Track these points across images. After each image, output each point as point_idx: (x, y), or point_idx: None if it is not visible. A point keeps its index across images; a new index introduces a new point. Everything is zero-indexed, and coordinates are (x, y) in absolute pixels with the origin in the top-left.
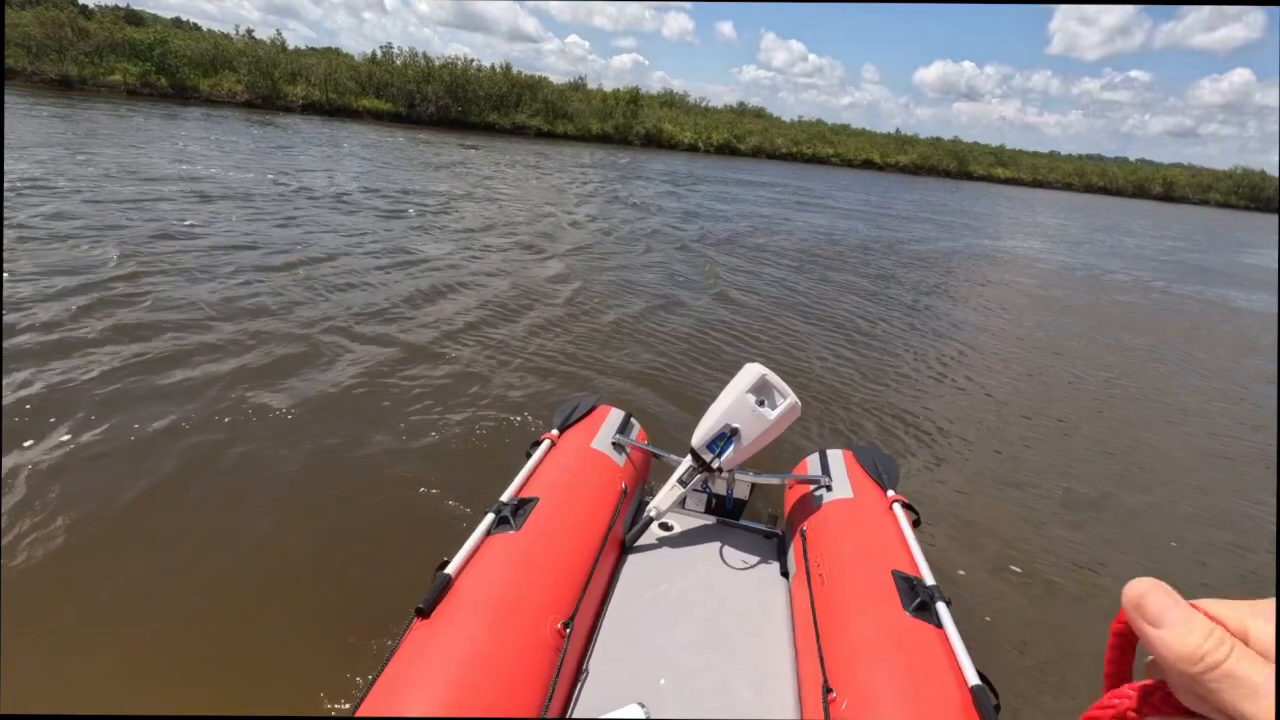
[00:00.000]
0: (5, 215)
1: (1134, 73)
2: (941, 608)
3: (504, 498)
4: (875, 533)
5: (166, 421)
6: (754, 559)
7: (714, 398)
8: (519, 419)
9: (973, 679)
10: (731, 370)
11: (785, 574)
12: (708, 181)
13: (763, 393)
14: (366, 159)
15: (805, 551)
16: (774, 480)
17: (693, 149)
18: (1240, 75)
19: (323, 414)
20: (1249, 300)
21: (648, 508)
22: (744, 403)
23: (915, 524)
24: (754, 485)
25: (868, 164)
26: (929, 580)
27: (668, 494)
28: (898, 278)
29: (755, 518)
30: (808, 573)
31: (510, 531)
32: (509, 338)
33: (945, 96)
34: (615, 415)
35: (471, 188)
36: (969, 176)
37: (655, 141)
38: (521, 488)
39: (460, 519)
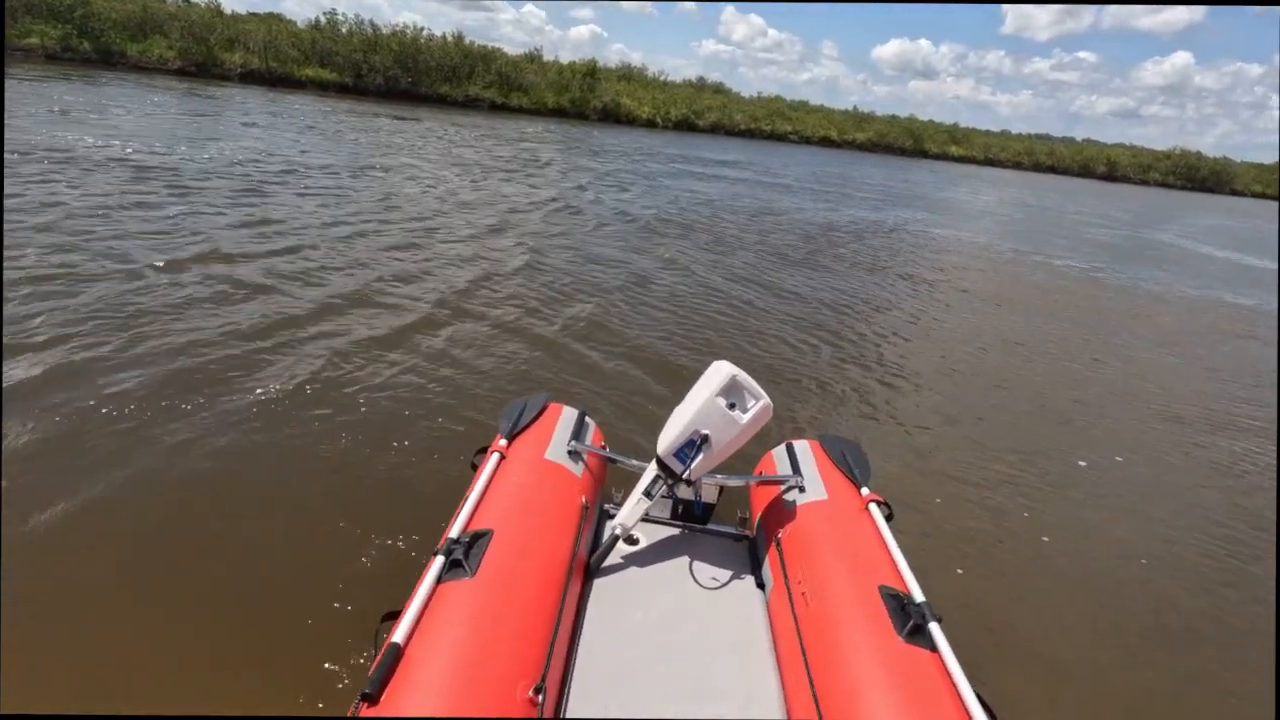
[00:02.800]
0: None
1: (1082, 53)
2: (935, 629)
3: (453, 533)
4: (856, 541)
5: None
6: (727, 572)
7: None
8: (444, 420)
9: (977, 714)
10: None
11: (761, 585)
12: (658, 159)
13: (732, 394)
14: (281, 129)
15: (783, 562)
16: (744, 481)
17: (650, 124)
18: (1181, 58)
19: (191, 427)
20: (1144, 278)
21: (612, 525)
22: (713, 406)
23: (888, 519)
24: (723, 487)
25: (825, 141)
26: (918, 596)
27: (633, 508)
28: (786, 248)
29: (724, 519)
30: (788, 589)
31: (464, 578)
32: (407, 328)
33: (902, 74)
34: (569, 415)
35: (390, 162)
36: (924, 154)
37: (613, 116)
38: (471, 517)
39: (396, 547)
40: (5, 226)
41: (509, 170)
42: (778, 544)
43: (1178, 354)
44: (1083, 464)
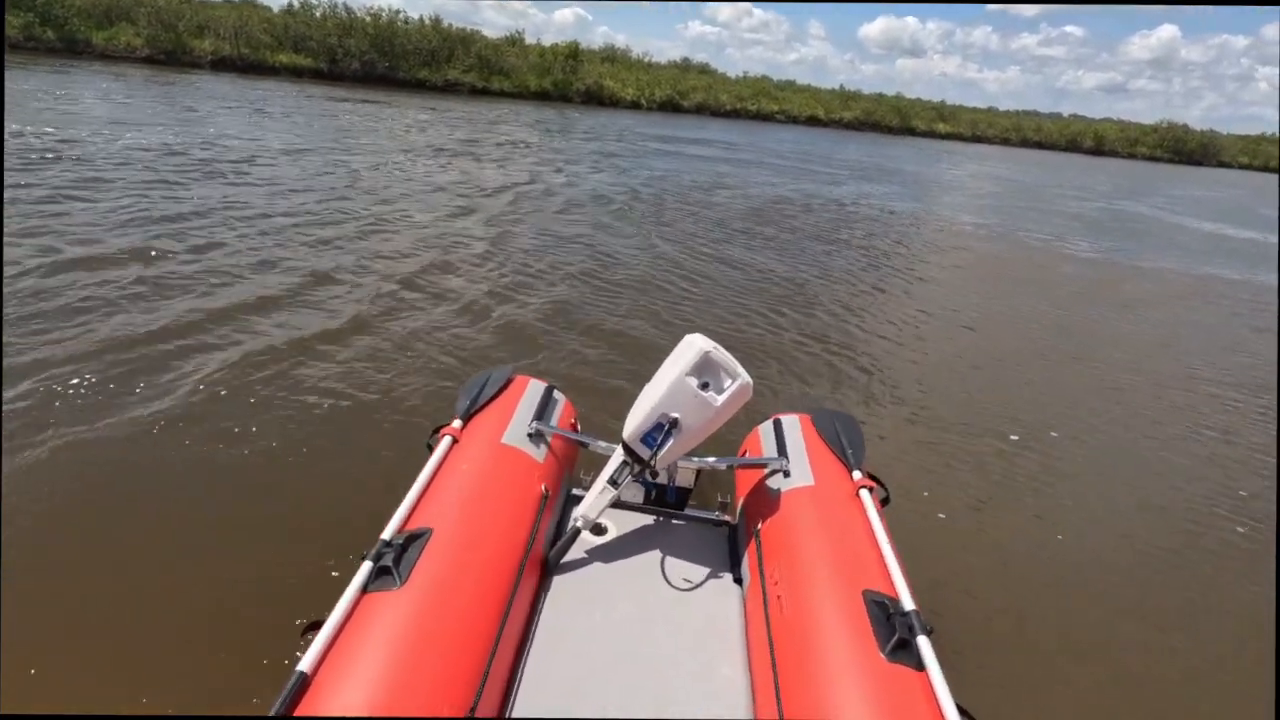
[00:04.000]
0: None
1: (1069, 28)
2: (923, 643)
3: (387, 533)
4: (842, 535)
5: None
6: (703, 566)
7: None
8: (408, 401)
9: None
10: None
11: (739, 580)
12: (636, 140)
13: (705, 373)
14: (235, 115)
15: (761, 557)
16: (724, 465)
17: (635, 106)
18: (1167, 31)
19: (124, 424)
20: (1115, 249)
21: (574, 517)
22: (683, 387)
23: (884, 502)
24: (700, 470)
25: (812, 120)
26: (907, 603)
27: (597, 499)
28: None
29: (704, 502)
30: (764, 590)
31: (392, 588)
32: (360, 313)
33: (889, 52)
34: (535, 389)
35: (347, 147)
36: (912, 132)
37: (596, 99)
38: (411, 514)
39: (354, 545)
40: None
41: (478, 154)
42: (757, 536)
43: (1147, 325)
44: (1054, 436)
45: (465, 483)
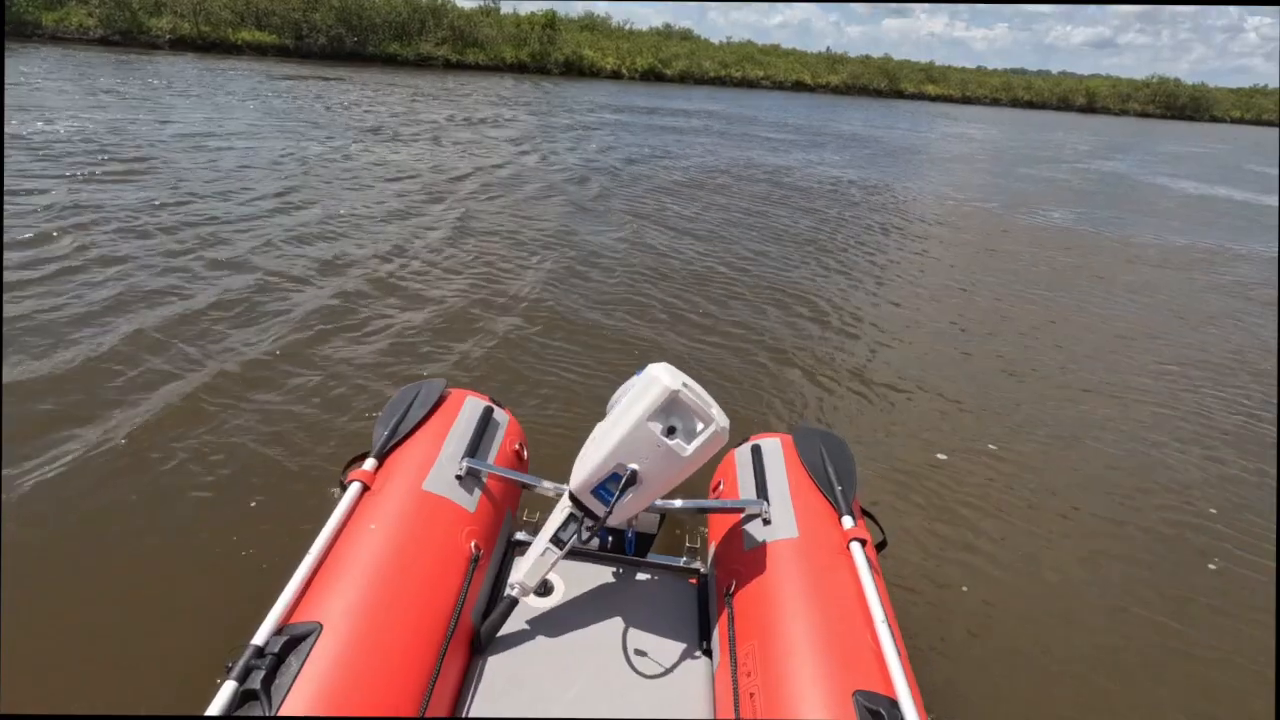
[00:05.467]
0: None
1: None
2: None
3: (259, 636)
4: (831, 614)
5: None
6: (667, 639)
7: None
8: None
9: None
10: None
11: (709, 653)
12: (611, 112)
13: (673, 415)
14: (138, 99)
15: (733, 632)
16: (693, 508)
17: (616, 76)
18: None
19: None
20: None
21: (510, 584)
22: (645, 434)
23: (880, 547)
24: (665, 515)
25: (799, 85)
26: (909, 711)
27: (537, 562)
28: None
29: (673, 541)
30: (734, 677)
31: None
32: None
33: (875, 13)
34: (471, 409)
35: (280, 131)
36: (900, 94)
37: (576, 69)
38: (295, 605)
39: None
40: None
41: (409, 136)
42: (730, 601)
43: (1135, 307)
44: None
45: (371, 551)
